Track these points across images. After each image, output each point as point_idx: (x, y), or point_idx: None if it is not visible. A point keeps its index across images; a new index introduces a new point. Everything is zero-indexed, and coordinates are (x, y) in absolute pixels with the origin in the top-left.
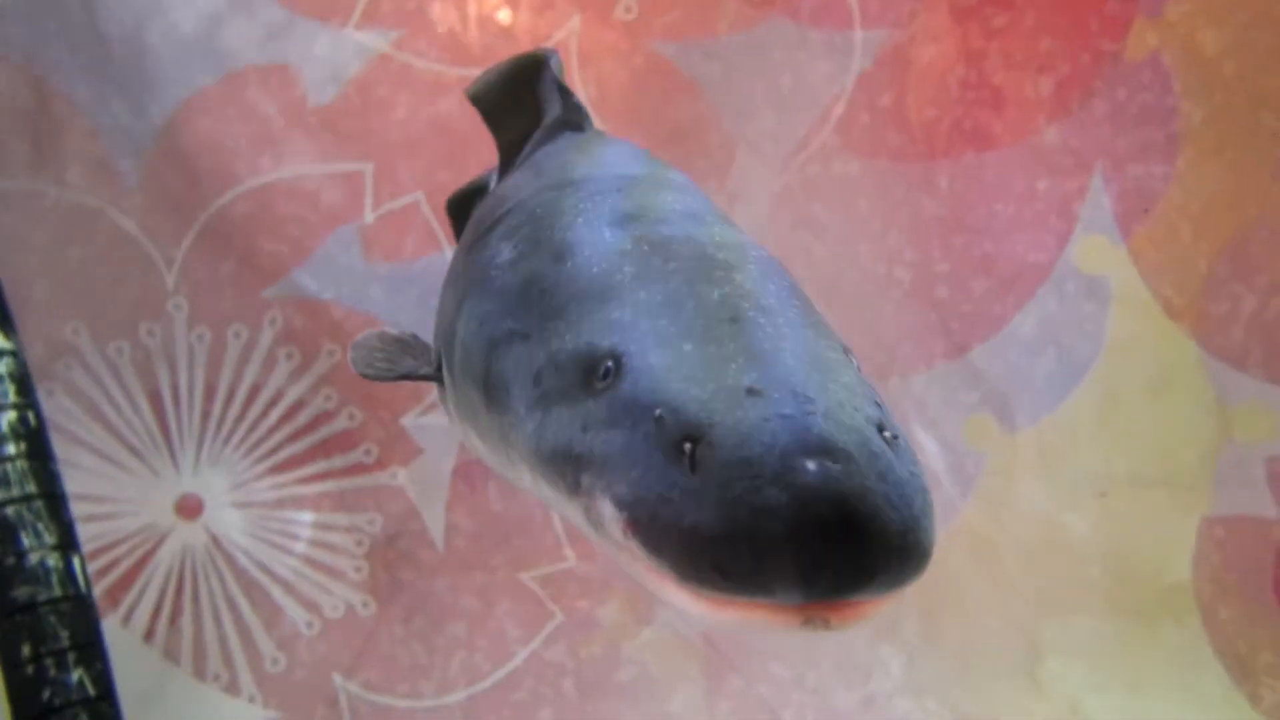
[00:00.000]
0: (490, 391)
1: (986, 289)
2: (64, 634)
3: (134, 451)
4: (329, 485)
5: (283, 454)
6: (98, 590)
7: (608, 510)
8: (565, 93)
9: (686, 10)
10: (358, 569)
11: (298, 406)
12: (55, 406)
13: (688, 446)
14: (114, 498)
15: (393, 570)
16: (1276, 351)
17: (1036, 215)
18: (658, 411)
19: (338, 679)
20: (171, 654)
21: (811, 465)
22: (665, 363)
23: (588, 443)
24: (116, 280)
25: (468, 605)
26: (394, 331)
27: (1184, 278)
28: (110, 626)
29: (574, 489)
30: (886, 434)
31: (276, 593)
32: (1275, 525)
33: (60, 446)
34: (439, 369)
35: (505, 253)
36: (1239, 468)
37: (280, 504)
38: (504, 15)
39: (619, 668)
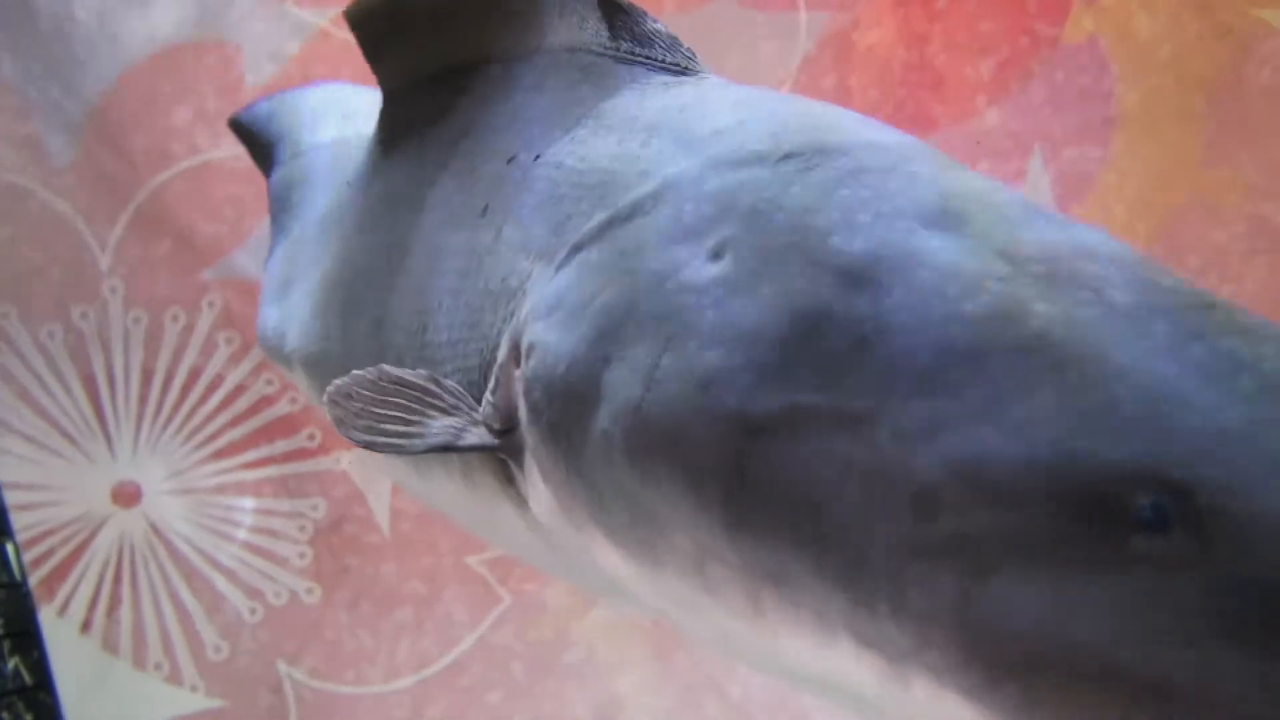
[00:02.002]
0: (755, 507)
1: None
2: None
3: (68, 438)
4: (271, 471)
5: (223, 439)
6: (32, 581)
7: None
8: (637, 14)
9: None
10: (301, 555)
11: (238, 391)
12: None
13: None
14: (48, 486)
15: (337, 556)
16: None
17: None
18: None
19: (282, 666)
20: (110, 644)
21: None
22: None
23: (1184, 667)
24: (48, 262)
25: (414, 590)
26: (396, 370)
27: None
28: (46, 617)
29: None
30: None
31: (218, 580)
32: None
33: None
34: (503, 432)
35: (703, 267)
36: None
37: (221, 490)
38: None
39: (567, 649)
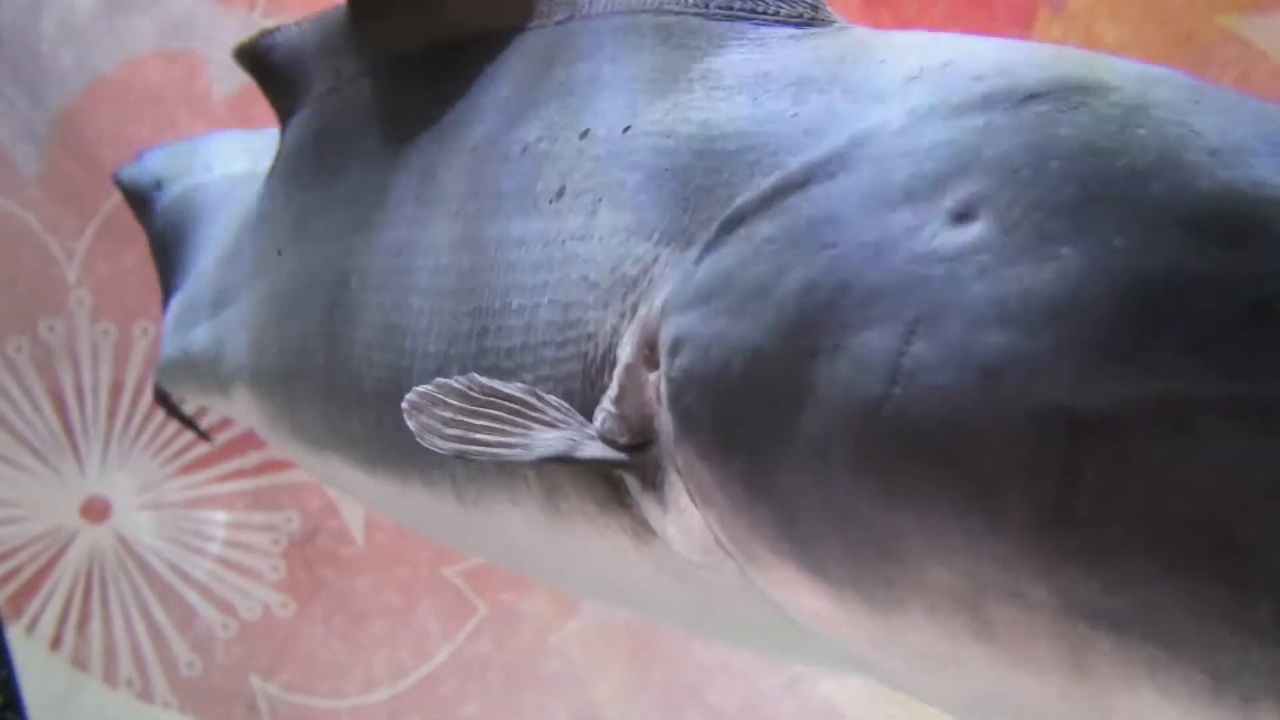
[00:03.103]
0: (1099, 529)
1: None
2: None
3: (35, 453)
4: (243, 483)
5: (194, 453)
6: (0, 598)
7: None
8: None
9: None
10: (275, 568)
11: None
12: None
13: None
14: (15, 502)
15: (312, 568)
16: None
17: None
18: None
19: (256, 681)
20: (80, 661)
21: None
22: None
23: None
24: (13, 275)
25: (390, 602)
26: (490, 381)
27: None
28: (14, 634)
29: None
30: None
31: (191, 595)
32: None
33: None
34: (632, 447)
35: (946, 232)
36: None
37: (192, 504)
38: None
39: (544, 659)
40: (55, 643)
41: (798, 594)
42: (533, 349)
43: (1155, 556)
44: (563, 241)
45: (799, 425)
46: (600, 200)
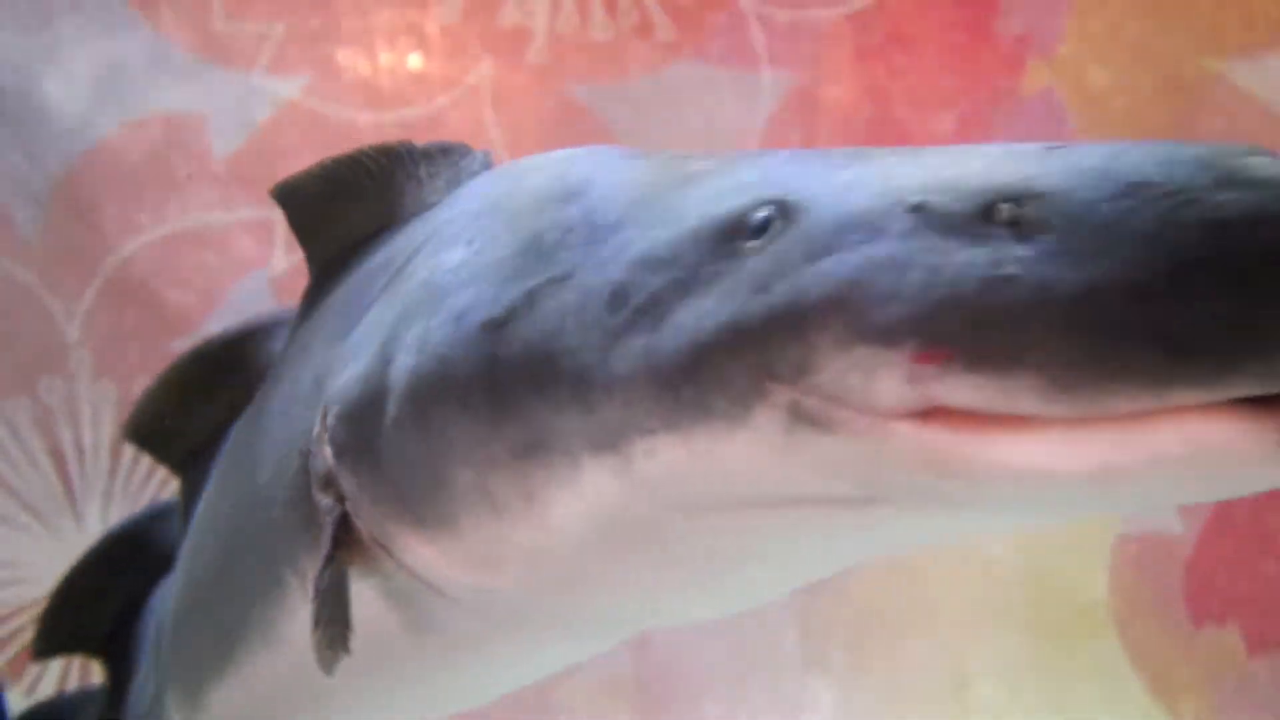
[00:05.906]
0: (511, 382)
1: None
2: None
3: (35, 513)
4: None
5: None
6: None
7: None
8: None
9: (597, 53)
10: None
11: None
12: None
13: (1004, 209)
14: (14, 562)
15: None
16: None
17: None
18: (914, 200)
19: None
20: None
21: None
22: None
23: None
24: (13, 335)
25: None
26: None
27: None
28: (14, 698)
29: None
30: None
31: None
32: (1181, 543)
33: None
34: (336, 502)
35: (451, 256)
36: None
37: None
38: (414, 60)
39: (549, 715)
40: None
41: (414, 550)
42: (281, 475)
43: (536, 383)
44: (292, 398)
45: (387, 411)
46: (304, 364)
